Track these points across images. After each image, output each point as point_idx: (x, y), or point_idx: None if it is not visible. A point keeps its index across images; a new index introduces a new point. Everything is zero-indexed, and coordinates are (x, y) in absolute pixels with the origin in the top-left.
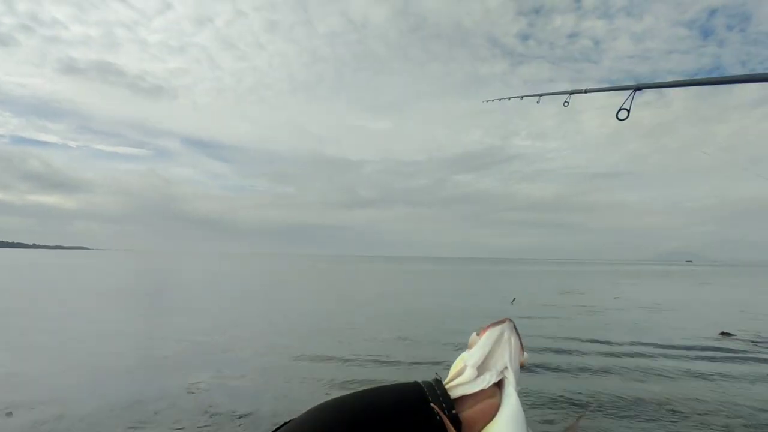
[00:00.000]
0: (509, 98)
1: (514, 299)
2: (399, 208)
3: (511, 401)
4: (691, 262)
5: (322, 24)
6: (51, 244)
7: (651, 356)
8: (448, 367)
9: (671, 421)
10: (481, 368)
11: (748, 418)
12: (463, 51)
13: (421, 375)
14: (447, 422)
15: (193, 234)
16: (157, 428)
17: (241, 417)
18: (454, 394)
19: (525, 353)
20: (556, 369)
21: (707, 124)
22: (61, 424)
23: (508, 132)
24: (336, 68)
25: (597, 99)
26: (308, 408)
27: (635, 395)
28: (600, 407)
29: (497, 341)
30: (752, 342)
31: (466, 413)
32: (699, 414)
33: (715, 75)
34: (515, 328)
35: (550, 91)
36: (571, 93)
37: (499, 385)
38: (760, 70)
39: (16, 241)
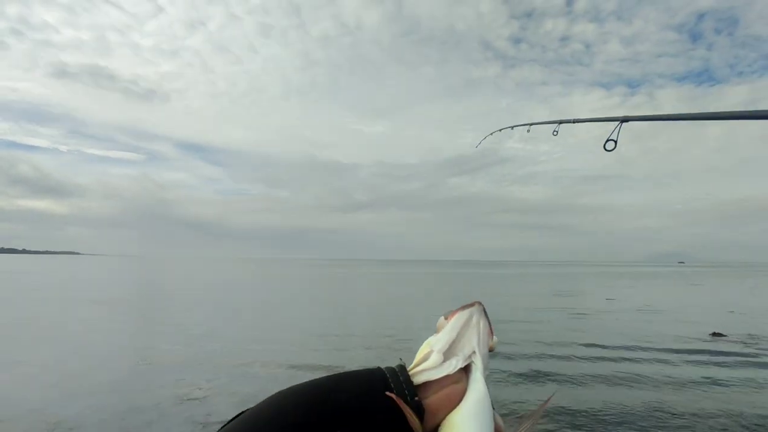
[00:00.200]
0: (500, 130)
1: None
2: (393, 211)
3: (477, 387)
4: (683, 263)
5: (316, 28)
6: (41, 250)
7: (643, 358)
8: (415, 353)
9: (662, 426)
10: (448, 353)
11: (740, 419)
12: (456, 54)
13: (388, 361)
14: (406, 410)
15: (186, 239)
16: None
17: None
18: (418, 380)
19: (494, 337)
20: (548, 375)
21: (697, 126)
22: None
23: (502, 135)
24: (330, 72)
25: (588, 103)
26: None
27: (627, 399)
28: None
29: (465, 325)
30: (743, 343)
31: (430, 399)
32: (692, 415)
33: (703, 77)
34: (485, 312)
35: (540, 121)
36: (560, 123)
37: (466, 370)
38: (747, 72)
39: (5, 247)
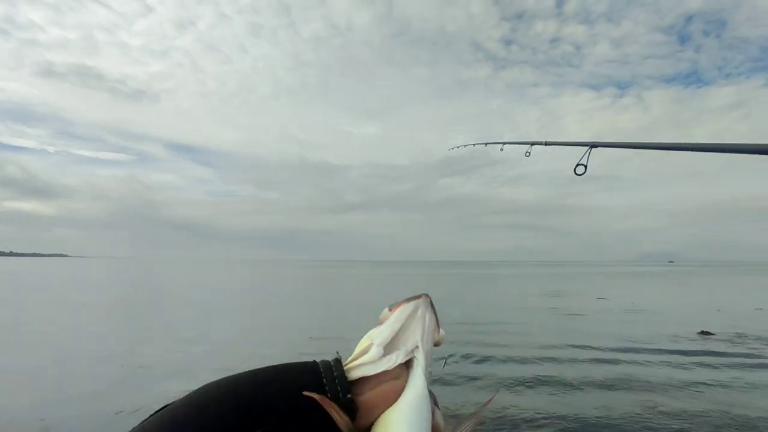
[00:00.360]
0: (474, 144)
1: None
2: (384, 212)
3: (416, 383)
4: (672, 262)
5: (306, 28)
6: (29, 252)
7: (633, 357)
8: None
9: (653, 428)
10: (389, 347)
11: (731, 418)
12: (447, 56)
13: (326, 354)
14: (331, 409)
15: (176, 240)
16: None
17: None
18: (354, 375)
19: (441, 331)
20: (538, 378)
21: (685, 127)
22: None
23: (492, 136)
24: (320, 72)
25: (578, 104)
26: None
27: (615, 400)
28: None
29: (410, 318)
30: (730, 341)
31: (365, 396)
32: (683, 415)
33: (691, 79)
34: (431, 304)
35: (513, 141)
36: (532, 144)
37: (408, 365)
38: (735, 74)
39: None
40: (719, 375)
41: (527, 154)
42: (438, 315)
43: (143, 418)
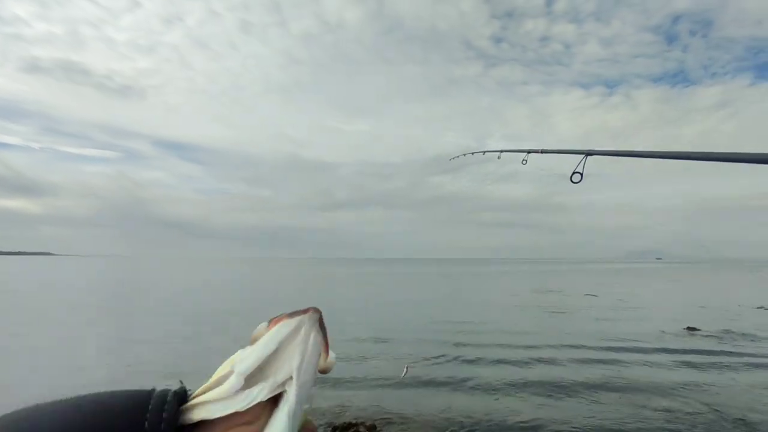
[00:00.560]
0: (473, 153)
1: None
2: (376, 210)
3: (276, 430)
4: (660, 259)
5: (297, 25)
6: (13, 251)
7: (621, 354)
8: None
9: (645, 428)
10: (254, 377)
11: (721, 414)
12: (438, 53)
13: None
14: None
15: (165, 238)
16: None
17: None
18: (194, 416)
19: (331, 354)
20: (525, 381)
21: (673, 126)
22: None
23: (483, 134)
24: (311, 70)
25: (567, 102)
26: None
27: (605, 398)
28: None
29: (288, 338)
30: (716, 337)
31: None
32: (673, 411)
33: (678, 78)
34: (319, 322)
35: (511, 149)
36: (529, 152)
37: (276, 401)
38: (720, 74)
39: None
40: (706, 370)
41: (524, 162)
42: (328, 334)
43: None
